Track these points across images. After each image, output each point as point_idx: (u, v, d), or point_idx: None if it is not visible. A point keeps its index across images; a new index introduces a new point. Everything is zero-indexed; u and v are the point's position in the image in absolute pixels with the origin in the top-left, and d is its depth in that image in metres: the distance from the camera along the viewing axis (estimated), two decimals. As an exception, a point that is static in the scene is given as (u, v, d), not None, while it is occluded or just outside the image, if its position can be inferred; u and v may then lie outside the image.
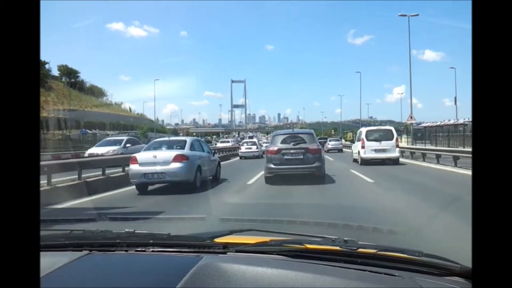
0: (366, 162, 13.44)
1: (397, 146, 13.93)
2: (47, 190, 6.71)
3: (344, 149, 27.67)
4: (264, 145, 27.61)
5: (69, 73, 62.52)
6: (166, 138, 9.36)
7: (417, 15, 26.52)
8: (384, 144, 13.62)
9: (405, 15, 25.85)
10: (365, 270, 0.93)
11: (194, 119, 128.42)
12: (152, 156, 7.83)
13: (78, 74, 55.99)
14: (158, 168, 7.60)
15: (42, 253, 0.92)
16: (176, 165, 7.68)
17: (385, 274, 0.92)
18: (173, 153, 7.91)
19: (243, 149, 22.74)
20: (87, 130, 42.90)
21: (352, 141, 17.86)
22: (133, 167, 7.78)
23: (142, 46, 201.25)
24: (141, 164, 7.73)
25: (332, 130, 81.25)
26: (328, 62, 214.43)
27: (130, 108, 72.70)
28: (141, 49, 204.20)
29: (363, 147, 13.70)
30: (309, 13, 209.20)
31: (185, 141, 8.65)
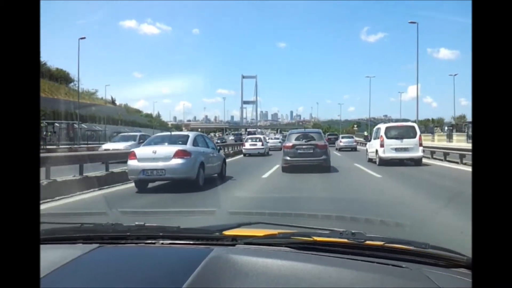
0: (385, 162, 12.65)
1: (421, 144, 12.93)
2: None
3: (358, 147, 26.70)
4: (271, 141, 27.06)
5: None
6: (168, 133, 8.87)
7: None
8: (406, 143, 12.76)
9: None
10: (372, 262, 0.96)
11: (206, 116, 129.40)
12: (152, 152, 7.44)
13: (44, 61, 49.31)
14: (158, 164, 7.32)
15: (53, 246, 1.07)
16: (177, 161, 7.23)
17: (393, 265, 0.95)
18: (174, 148, 7.43)
19: (247, 145, 21.72)
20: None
21: (367, 139, 16.81)
22: (132, 163, 7.45)
23: (155, 44, 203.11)
24: (139, 160, 7.34)
25: (355, 125, 73.46)
26: (341, 60, 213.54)
27: (113, 98, 68.78)
28: (154, 47, 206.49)
29: (382, 145, 12.90)
30: (321, 11, 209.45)
31: (187, 136, 8.15)
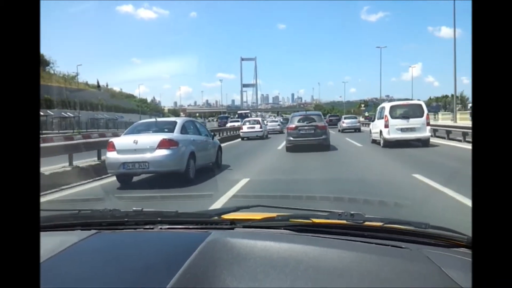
0: (391, 144, 11.99)
1: (428, 124, 12.23)
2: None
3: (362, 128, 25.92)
4: (269, 124, 26.52)
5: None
6: (152, 119, 8.03)
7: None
8: (413, 122, 12.05)
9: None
10: (372, 243, 0.96)
11: (207, 101, 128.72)
12: (133, 142, 6.76)
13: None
14: (140, 156, 6.61)
15: (51, 233, 1.09)
16: (162, 152, 6.57)
17: (392, 246, 0.95)
18: (158, 137, 6.76)
19: (244, 128, 21.29)
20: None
21: (370, 119, 15.95)
22: (110, 155, 6.82)
23: (153, 28, 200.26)
24: (119, 152, 6.71)
25: (362, 105, 67.59)
26: (341, 40, 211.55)
27: (98, 83, 65.14)
28: (151, 31, 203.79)
29: (386, 125, 12.22)
30: None
31: (175, 123, 7.45)
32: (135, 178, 7.16)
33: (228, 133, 23.51)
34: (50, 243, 0.96)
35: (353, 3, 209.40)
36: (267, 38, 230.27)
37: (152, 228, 1.13)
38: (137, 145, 6.61)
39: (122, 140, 6.97)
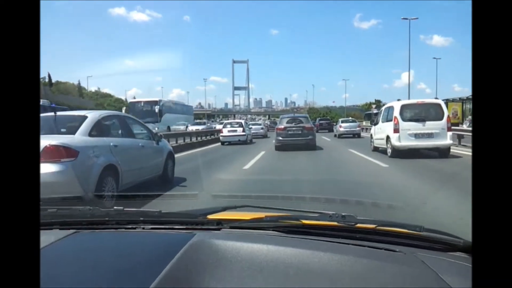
0: (401, 153, 9.51)
1: (450, 129, 9.71)
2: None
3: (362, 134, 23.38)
4: (254, 127, 24.18)
5: None
6: (50, 114, 5.18)
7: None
8: (430, 126, 9.55)
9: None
10: (364, 246, 0.95)
11: (199, 103, 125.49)
12: None
13: None
14: None
15: None
16: (47, 168, 3.84)
17: (385, 249, 0.93)
18: (44, 142, 4.00)
19: (225, 132, 18.75)
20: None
21: (372, 122, 13.21)
22: None
23: (146, 31, 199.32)
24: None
25: (373, 105, 57.96)
26: (334, 47, 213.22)
27: (50, 77, 54.90)
28: (144, 34, 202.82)
29: (396, 130, 9.77)
30: None
31: (83, 119, 4.81)
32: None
33: (201, 138, 20.55)
34: None
35: (346, 10, 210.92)
36: (260, 43, 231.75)
37: (135, 228, 1.11)
38: None
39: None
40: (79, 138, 4.50)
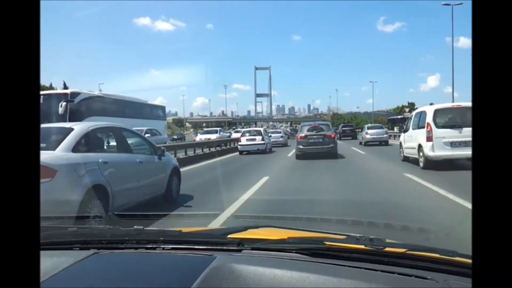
0: (436, 164, 8.52)
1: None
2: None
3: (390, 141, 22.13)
4: (273, 135, 23.34)
5: None
6: None
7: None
8: (468, 133, 8.44)
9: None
10: (393, 272, 0.92)
11: (222, 111, 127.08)
12: None
13: None
14: None
15: (48, 252, 1.04)
16: None
17: (416, 276, 0.90)
18: None
19: (243, 140, 18.04)
20: None
21: (402, 129, 12.12)
22: None
23: (170, 40, 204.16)
24: None
25: (405, 108, 52.25)
26: (357, 51, 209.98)
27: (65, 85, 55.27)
28: (169, 43, 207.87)
29: (429, 138, 8.82)
30: (336, 2, 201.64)
31: (67, 131, 4.32)
32: None
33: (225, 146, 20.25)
34: (47, 263, 0.94)
35: (369, 14, 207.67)
36: (282, 49, 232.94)
37: (155, 248, 1.11)
38: None
39: None
40: (59, 154, 3.89)
